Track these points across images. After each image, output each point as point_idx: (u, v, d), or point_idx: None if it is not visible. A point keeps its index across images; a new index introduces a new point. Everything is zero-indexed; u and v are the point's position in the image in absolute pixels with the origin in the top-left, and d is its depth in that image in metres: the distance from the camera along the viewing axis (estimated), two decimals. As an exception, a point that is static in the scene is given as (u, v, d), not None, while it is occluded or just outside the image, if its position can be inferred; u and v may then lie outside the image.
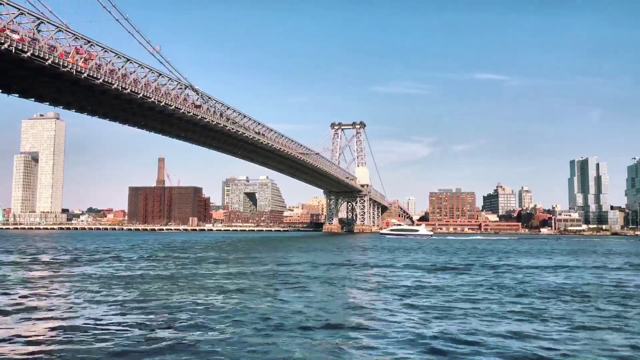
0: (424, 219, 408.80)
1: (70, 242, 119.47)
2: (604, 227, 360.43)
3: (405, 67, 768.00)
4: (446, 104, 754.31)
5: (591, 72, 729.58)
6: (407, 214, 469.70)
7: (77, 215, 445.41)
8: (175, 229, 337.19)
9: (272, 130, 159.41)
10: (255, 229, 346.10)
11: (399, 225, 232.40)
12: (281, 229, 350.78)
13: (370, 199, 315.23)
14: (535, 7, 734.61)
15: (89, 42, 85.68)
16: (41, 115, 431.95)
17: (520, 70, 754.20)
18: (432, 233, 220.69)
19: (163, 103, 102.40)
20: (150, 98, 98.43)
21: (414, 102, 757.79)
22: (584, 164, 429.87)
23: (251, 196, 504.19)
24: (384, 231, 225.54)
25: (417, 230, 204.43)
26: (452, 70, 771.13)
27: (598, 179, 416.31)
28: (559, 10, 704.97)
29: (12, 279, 39.37)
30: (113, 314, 24.55)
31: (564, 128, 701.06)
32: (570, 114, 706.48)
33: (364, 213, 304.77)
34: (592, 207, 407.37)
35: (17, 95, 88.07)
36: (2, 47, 70.05)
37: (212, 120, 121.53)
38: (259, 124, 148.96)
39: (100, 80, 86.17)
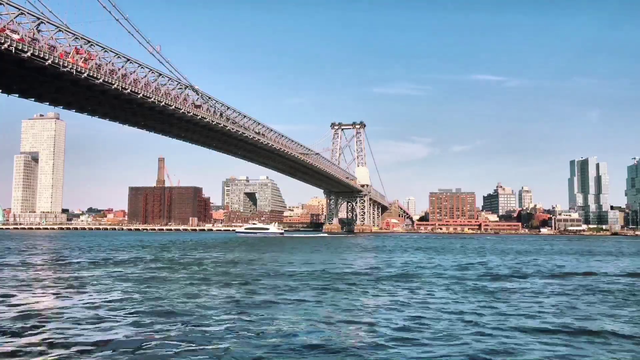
0: (424, 219, 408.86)
1: (82, 242, 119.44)
2: (604, 227, 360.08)
3: (404, 68, 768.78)
4: (445, 104, 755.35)
5: (589, 73, 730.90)
6: (407, 214, 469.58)
7: (77, 215, 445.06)
8: (176, 229, 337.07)
9: (272, 130, 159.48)
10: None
11: (254, 224, 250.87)
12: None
13: (370, 199, 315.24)
14: (533, 7, 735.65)
15: (89, 42, 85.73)
16: (41, 115, 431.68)
17: (518, 71, 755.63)
18: (282, 231, 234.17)
19: (163, 103, 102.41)
20: (150, 98, 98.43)
21: (413, 103, 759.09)
22: (584, 164, 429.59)
23: (251, 196, 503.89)
24: (238, 230, 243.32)
25: (267, 229, 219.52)
26: (451, 71, 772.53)
27: (598, 179, 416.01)
28: (557, 10, 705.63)
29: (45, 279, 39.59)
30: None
31: (563, 128, 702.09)
32: (569, 115, 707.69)
33: (364, 213, 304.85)
34: (592, 207, 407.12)
35: (17, 95, 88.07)
36: (2, 47, 70.06)
37: (212, 120, 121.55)
38: (259, 124, 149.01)
39: (100, 80, 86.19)
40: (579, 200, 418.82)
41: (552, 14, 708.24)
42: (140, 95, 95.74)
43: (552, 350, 18.84)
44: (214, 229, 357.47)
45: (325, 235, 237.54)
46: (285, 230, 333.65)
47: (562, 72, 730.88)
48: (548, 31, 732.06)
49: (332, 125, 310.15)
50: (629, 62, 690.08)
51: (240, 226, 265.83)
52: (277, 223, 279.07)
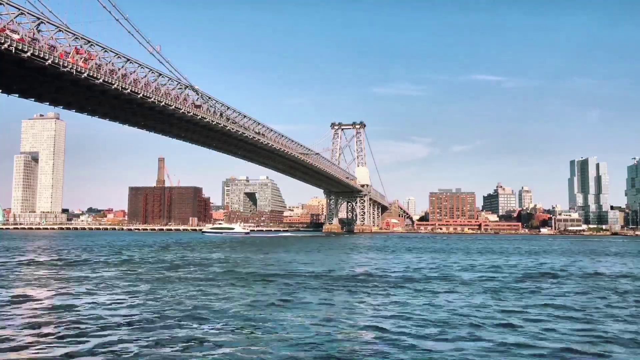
0: (424, 219, 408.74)
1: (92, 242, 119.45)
2: (604, 227, 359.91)
3: (404, 68, 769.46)
4: (445, 104, 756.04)
5: (589, 73, 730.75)
6: (407, 214, 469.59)
7: (77, 215, 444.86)
8: (176, 229, 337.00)
9: (272, 130, 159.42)
10: (256, 229, 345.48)
11: (220, 224, 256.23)
12: (281, 229, 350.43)
13: (370, 199, 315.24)
14: (532, 7, 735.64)
15: (89, 42, 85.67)
16: (41, 115, 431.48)
17: (518, 71, 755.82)
18: (247, 231, 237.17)
19: (163, 103, 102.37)
20: (150, 98, 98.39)
21: (413, 103, 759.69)
22: (584, 164, 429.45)
23: (251, 196, 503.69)
24: (204, 229, 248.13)
25: (232, 229, 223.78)
26: (451, 71, 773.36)
27: (598, 179, 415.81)
28: (557, 10, 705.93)
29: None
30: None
31: (563, 128, 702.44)
32: (569, 114, 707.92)
33: (364, 213, 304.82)
34: (592, 207, 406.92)
35: (17, 95, 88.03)
36: (2, 47, 70.01)
37: (212, 120, 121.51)
38: (259, 123, 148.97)
39: (100, 80, 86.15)
40: (579, 200, 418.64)
41: (552, 14, 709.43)
42: (140, 95, 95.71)
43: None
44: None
45: (289, 235, 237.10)
46: (285, 230, 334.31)
47: (561, 72, 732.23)
48: (548, 31, 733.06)
49: (332, 125, 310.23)
50: (628, 62, 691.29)
51: (205, 226, 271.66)
52: (242, 222, 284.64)
